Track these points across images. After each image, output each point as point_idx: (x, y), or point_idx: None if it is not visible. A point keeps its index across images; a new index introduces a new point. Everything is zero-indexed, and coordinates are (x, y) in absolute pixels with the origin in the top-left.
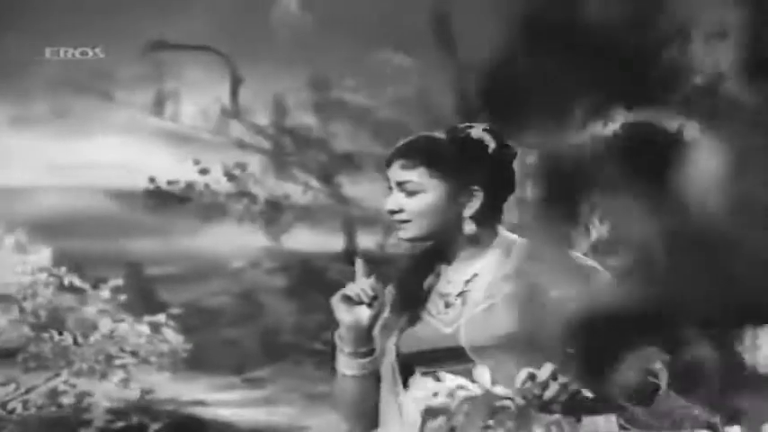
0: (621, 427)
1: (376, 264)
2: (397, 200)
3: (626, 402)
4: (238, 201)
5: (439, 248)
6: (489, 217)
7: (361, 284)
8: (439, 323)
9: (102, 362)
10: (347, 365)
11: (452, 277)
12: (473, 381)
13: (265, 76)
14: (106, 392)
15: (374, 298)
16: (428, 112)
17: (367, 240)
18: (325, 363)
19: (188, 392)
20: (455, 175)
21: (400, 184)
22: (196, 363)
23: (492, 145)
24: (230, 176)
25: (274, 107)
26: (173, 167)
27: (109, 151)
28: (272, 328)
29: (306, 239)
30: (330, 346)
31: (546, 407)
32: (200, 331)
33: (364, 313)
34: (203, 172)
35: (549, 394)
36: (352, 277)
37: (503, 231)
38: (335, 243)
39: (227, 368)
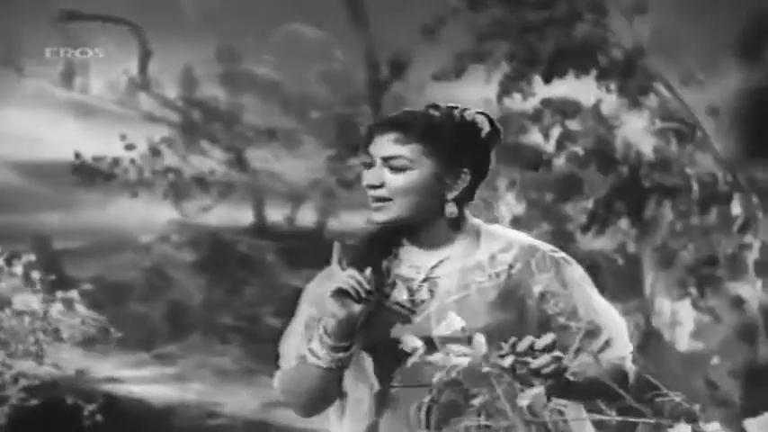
0: (597, 410)
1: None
2: (380, 174)
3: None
4: (164, 177)
5: (401, 229)
6: (466, 200)
7: (355, 277)
8: (405, 311)
9: (37, 342)
10: (322, 357)
11: (416, 261)
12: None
13: (174, 48)
14: (21, 370)
15: (369, 293)
16: (340, 85)
17: (276, 214)
18: (235, 338)
19: (100, 369)
20: (448, 154)
21: (387, 159)
22: (106, 338)
23: (486, 128)
24: (155, 152)
25: (183, 80)
26: (88, 141)
27: (17, 123)
28: (182, 302)
29: (214, 213)
30: (243, 322)
31: (530, 376)
32: (109, 306)
33: (357, 308)
34: (129, 147)
35: (537, 363)
36: (261, 252)
37: (469, 216)
38: (244, 217)
39: (137, 344)
